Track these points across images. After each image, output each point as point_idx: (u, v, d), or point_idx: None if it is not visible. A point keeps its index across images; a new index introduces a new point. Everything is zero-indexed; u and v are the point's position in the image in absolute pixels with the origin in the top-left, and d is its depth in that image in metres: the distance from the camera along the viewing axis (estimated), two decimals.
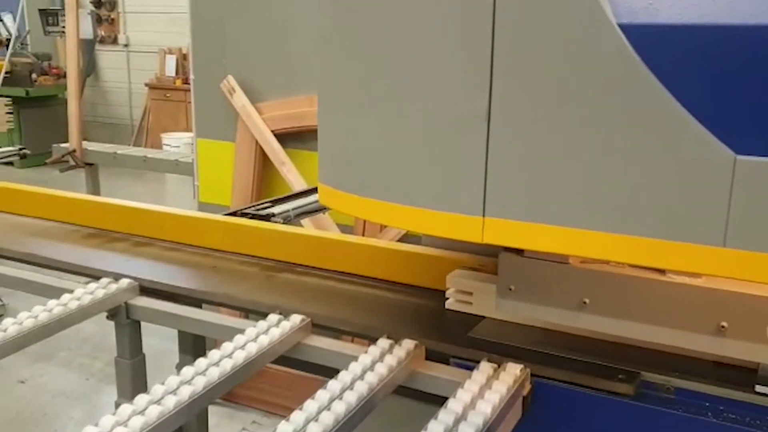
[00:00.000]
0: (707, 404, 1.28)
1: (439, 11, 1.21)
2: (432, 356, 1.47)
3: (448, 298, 1.64)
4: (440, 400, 1.30)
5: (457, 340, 1.49)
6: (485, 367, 1.37)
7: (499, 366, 1.38)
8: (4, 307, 4.63)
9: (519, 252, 1.36)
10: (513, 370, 1.35)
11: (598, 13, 1.09)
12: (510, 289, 1.38)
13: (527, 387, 1.36)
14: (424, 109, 1.24)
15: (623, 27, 1.07)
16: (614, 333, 1.35)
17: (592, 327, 1.35)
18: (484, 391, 1.29)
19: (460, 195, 1.22)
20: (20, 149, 3.84)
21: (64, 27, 5.87)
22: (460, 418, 1.19)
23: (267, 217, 2.23)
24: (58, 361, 4.11)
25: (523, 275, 1.36)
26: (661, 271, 1.30)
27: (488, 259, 1.61)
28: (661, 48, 1.06)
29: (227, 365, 1.38)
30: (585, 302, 1.33)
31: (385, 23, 1.28)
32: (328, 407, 1.23)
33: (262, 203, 2.40)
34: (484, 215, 1.20)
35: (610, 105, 1.10)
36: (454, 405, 1.23)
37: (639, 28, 1.07)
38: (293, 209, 2.40)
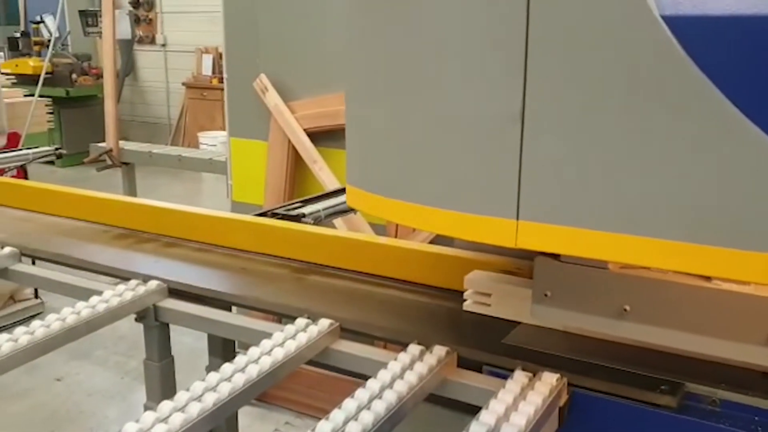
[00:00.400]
0: (756, 418, 1.21)
1: (470, 5, 1.15)
2: (464, 363, 1.42)
3: (465, 300, 1.59)
4: (472, 409, 1.25)
5: (490, 346, 1.44)
6: (520, 376, 1.32)
7: (534, 375, 1.32)
8: (42, 305, 4.69)
9: (555, 256, 1.30)
10: (549, 380, 1.30)
11: (639, 4, 1.02)
12: (546, 295, 1.32)
13: (564, 397, 1.31)
14: (454, 108, 1.19)
15: (667, 19, 1.01)
16: (657, 342, 1.29)
17: (633, 336, 1.29)
18: (519, 401, 1.23)
19: (492, 197, 1.16)
20: (56, 149, 3.87)
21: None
22: (493, 430, 1.14)
23: (297, 218, 2.20)
24: (94, 360, 4.14)
25: (560, 281, 1.30)
26: (707, 278, 1.23)
27: (524, 262, 1.55)
28: (710, 41, 0.99)
29: (253, 371, 1.35)
30: (625, 309, 1.27)
31: (413, 20, 1.23)
32: (355, 417, 1.19)
33: (293, 203, 2.37)
34: (518, 219, 1.14)
35: (654, 103, 1.04)
36: (487, 416, 1.18)
37: (685, 20, 1.00)
38: (324, 209, 2.36)
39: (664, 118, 1.04)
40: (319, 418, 1.14)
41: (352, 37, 1.36)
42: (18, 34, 10.38)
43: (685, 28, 1.00)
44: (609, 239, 1.11)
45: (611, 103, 1.06)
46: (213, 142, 7.86)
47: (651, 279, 1.26)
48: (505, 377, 1.32)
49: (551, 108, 1.10)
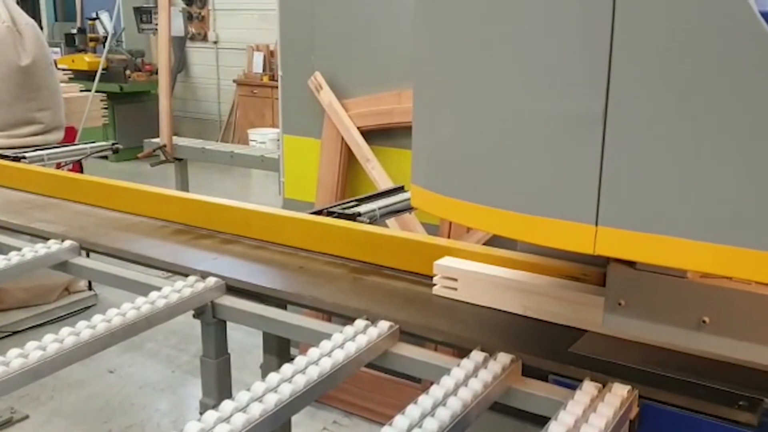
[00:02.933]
0: None
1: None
2: (528, 372, 1.38)
3: (435, 284, 1.69)
4: (538, 419, 1.21)
5: (556, 355, 1.39)
6: (589, 387, 1.27)
7: (603, 386, 1.27)
8: (96, 297, 4.77)
9: (630, 263, 1.24)
10: (620, 391, 1.25)
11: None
12: (620, 304, 1.26)
13: (635, 410, 1.26)
14: (531, 106, 1.14)
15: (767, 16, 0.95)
16: (737, 356, 1.23)
17: (712, 349, 1.23)
18: (589, 413, 1.19)
19: (570, 201, 1.11)
20: (113, 144, 3.91)
21: (157, 24, 6.02)
22: None
23: (353, 217, 2.18)
24: (145, 352, 4.19)
25: (636, 289, 1.24)
26: None
27: (592, 268, 1.50)
28: None
29: (314, 373, 1.33)
30: (704, 321, 1.21)
31: (488, 16, 1.18)
32: (419, 424, 1.16)
33: (348, 202, 2.34)
34: (597, 224, 1.09)
35: (749, 103, 0.98)
36: (557, 428, 1.14)
37: None
38: (379, 208, 2.33)
39: (760, 120, 0.98)
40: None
41: (421, 35, 1.32)
42: (74, 31, 10.60)
43: None
44: (693, 247, 1.05)
45: (702, 103, 1.00)
46: (262, 138, 7.90)
47: (732, 289, 1.20)
48: (572, 387, 1.28)
49: (636, 108, 1.04)
